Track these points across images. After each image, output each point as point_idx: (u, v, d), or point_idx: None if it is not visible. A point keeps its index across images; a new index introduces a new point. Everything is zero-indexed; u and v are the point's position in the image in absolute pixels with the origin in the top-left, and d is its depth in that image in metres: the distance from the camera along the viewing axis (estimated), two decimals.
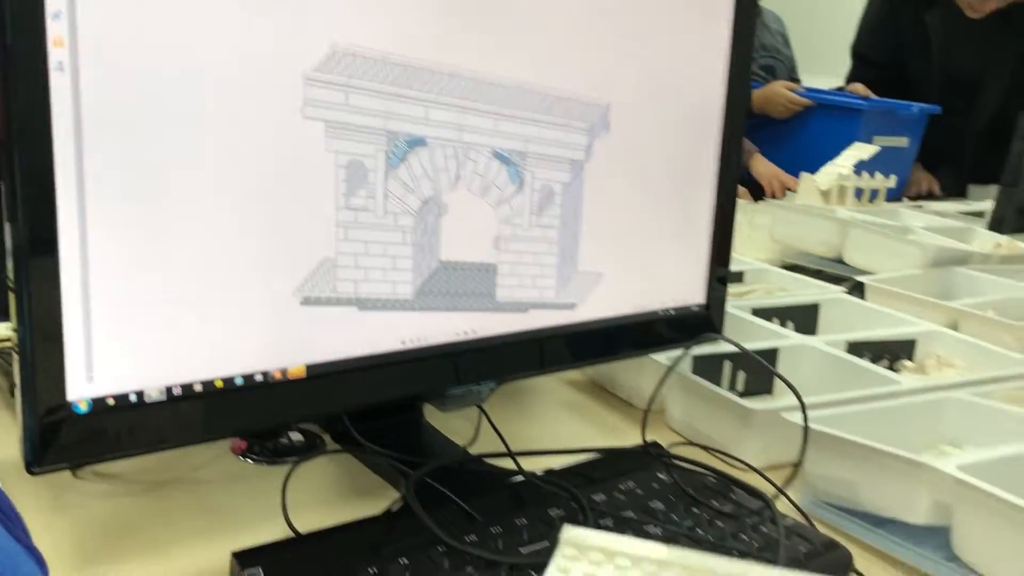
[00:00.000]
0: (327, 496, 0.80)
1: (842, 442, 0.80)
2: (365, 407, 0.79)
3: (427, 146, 0.70)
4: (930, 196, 2.70)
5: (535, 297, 0.81)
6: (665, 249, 0.91)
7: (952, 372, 1.12)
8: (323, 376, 0.70)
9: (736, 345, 0.94)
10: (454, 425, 0.91)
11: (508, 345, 0.81)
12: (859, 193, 2.10)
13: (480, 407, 0.93)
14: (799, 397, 0.83)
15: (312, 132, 0.64)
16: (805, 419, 0.82)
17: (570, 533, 0.36)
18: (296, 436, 0.91)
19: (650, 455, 0.86)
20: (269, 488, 0.81)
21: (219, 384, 0.65)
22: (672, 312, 0.93)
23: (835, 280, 1.47)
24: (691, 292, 0.95)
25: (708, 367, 1.03)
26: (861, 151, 2.16)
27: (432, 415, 0.93)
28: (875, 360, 1.11)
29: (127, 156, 0.57)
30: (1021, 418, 0.88)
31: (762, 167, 2.55)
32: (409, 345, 0.74)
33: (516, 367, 0.84)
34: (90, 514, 0.74)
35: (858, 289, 1.43)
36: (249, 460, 0.86)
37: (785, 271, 1.48)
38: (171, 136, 0.59)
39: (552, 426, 1.00)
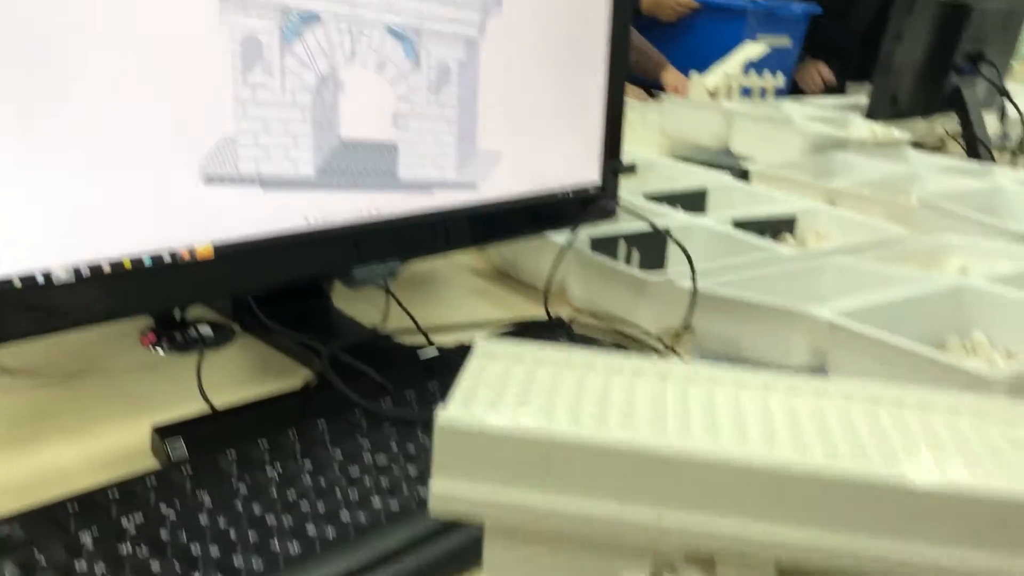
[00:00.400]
0: (241, 380, 0.82)
1: (727, 301, 0.86)
2: (273, 285, 0.81)
3: (321, 21, 0.71)
4: (828, 90, 2.80)
5: (436, 176, 0.84)
6: (560, 130, 0.94)
7: (829, 244, 1.19)
8: (231, 255, 0.71)
9: (634, 214, 0.99)
10: (363, 311, 0.93)
11: (412, 224, 0.83)
12: (747, 92, 2.17)
13: (387, 289, 0.96)
14: (690, 261, 0.88)
15: (206, 4, 0.64)
16: (694, 282, 0.87)
17: (483, 345, 0.40)
18: (205, 330, 0.92)
19: (555, 327, 0.90)
20: (182, 375, 0.82)
21: (127, 264, 0.65)
22: (570, 193, 0.97)
23: (723, 169, 1.54)
24: (587, 173, 0.99)
25: (604, 247, 1.07)
26: (750, 51, 2.22)
27: (340, 301, 0.95)
28: (759, 236, 1.17)
29: (15, 23, 0.57)
30: (889, 275, 0.96)
31: (672, 77, 2.60)
32: (313, 224, 0.76)
33: (420, 246, 0.87)
34: (3, 405, 0.74)
35: (744, 176, 1.49)
36: (159, 350, 0.87)
37: (676, 162, 1.53)
38: (61, 6, 0.58)
39: (459, 308, 1.03)
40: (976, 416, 0.37)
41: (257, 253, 0.73)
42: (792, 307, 0.81)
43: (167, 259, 0.67)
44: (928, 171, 1.54)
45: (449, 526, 0.58)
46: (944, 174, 1.53)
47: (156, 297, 0.69)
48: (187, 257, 0.69)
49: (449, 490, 0.34)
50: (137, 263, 0.66)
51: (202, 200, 0.68)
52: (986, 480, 0.31)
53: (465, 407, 0.35)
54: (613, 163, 1.02)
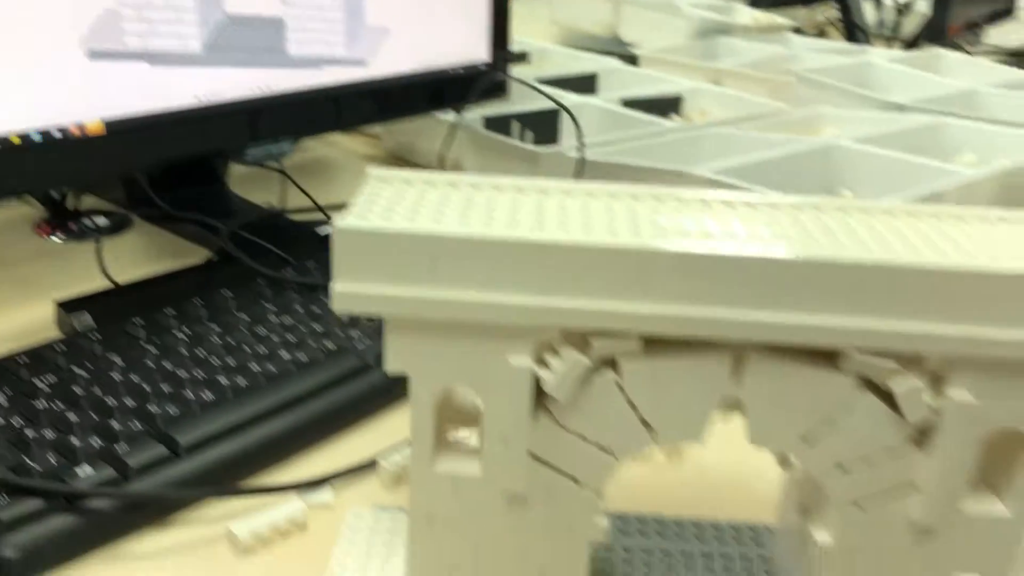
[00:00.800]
0: (141, 262, 0.83)
1: (614, 166, 0.90)
2: (166, 162, 0.81)
3: None
4: None
5: (326, 52, 0.84)
6: (448, 8, 0.95)
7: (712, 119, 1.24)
8: (121, 132, 0.71)
9: (528, 85, 1.01)
10: (259, 195, 0.94)
11: (303, 101, 0.84)
12: None
13: (282, 170, 0.97)
14: (579, 131, 0.91)
15: None
16: (582, 151, 0.91)
17: (375, 171, 0.42)
18: (100, 219, 0.92)
19: None
20: (82, 259, 0.82)
21: (15, 140, 0.65)
22: (460, 70, 0.99)
23: (612, 55, 1.56)
24: (476, 51, 1.00)
25: (497, 127, 1.10)
26: None
27: (236, 185, 0.96)
28: (647, 114, 1.21)
29: None
30: (765, 140, 1.01)
31: None
32: (204, 100, 0.76)
33: (312, 124, 0.88)
34: None
35: (632, 61, 1.53)
36: (56, 239, 0.86)
37: (566, 49, 1.55)
38: None
39: (354, 190, 1.04)
40: (815, 209, 0.41)
41: (148, 129, 0.73)
42: (672, 168, 0.85)
43: (56, 135, 0.67)
44: (807, 52, 1.60)
45: (354, 374, 0.62)
46: (821, 54, 1.59)
47: (49, 174, 0.69)
48: (77, 133, 0.68)
49: (349, 289, 0.37)
50: (26, 139, 0.66)
51: (89, 76, 0.68)
52: (795, 249, 0.36)
53: (360, 217, 0.38)
54: (503, 44, 1.04)
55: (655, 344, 0.38)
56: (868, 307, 0.36)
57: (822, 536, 0.41)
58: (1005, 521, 0.40)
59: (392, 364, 0.38)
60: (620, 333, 0.38)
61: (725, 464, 0.58)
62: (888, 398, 0.38)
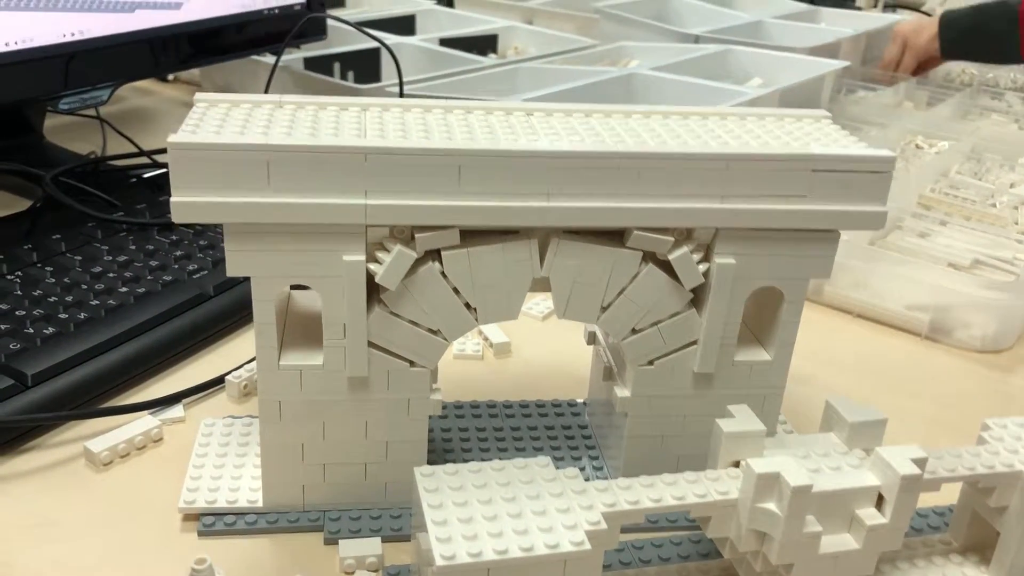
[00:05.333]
0: None
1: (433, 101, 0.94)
2: None
3: None
4: None
5: None
6: None
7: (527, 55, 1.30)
8: None
9: (348, 24, 1.03)
10: (78, 145, 0.93)
11: (118, 46, 0.84)
12: None
13: (100, 117, 0.96)
14: (399, 69, 0.95)
15: None
16: (401, 87, 0.95)
17: (203, 96, 0.45)
18: None
19: None
20: None
21: None
22: (276, 11, 1.00)
23: None
24: None
25: (318, 67, 1.12)
26: None
27: (53, 136, 0.94)
28: (465, 52, 1.26)
29: None
30: (573, 71, 1.08)
31: None
32: (16, 47, 0.75)
33: (128, 69, 0.87)
34: None
35: (449, 4, 1.56)
36: None
37: None
38: None
39: None
40: (603, 114, 0.48)
41: None
42: (488, 100, 0.91)
43: None
44: None
45: (194, 303, 0.64)
46: None
47: None
48: None
49: (188, 201, 0.40)
50: None
51: None
52: (585, 143, 0.42)
53: (192, 132, 0.41)
54: None
55: (472, 235, 0.44)
56: (645, 191, 0.43)
57: (622, 392, 0.49)
58: (768, 364, 0.48)
59: (233, 268, 0.42)
60: (440, 227, 0.43)
61: (545, 357, 0.65)
62: (668, 268, 0.45)
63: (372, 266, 0.43)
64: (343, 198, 0.41)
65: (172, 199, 0.40)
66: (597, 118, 0.47)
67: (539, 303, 0.72)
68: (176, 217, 0.40)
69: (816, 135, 0.47)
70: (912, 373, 0.67)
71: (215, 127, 0.42)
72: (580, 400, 0.59)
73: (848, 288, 0.74)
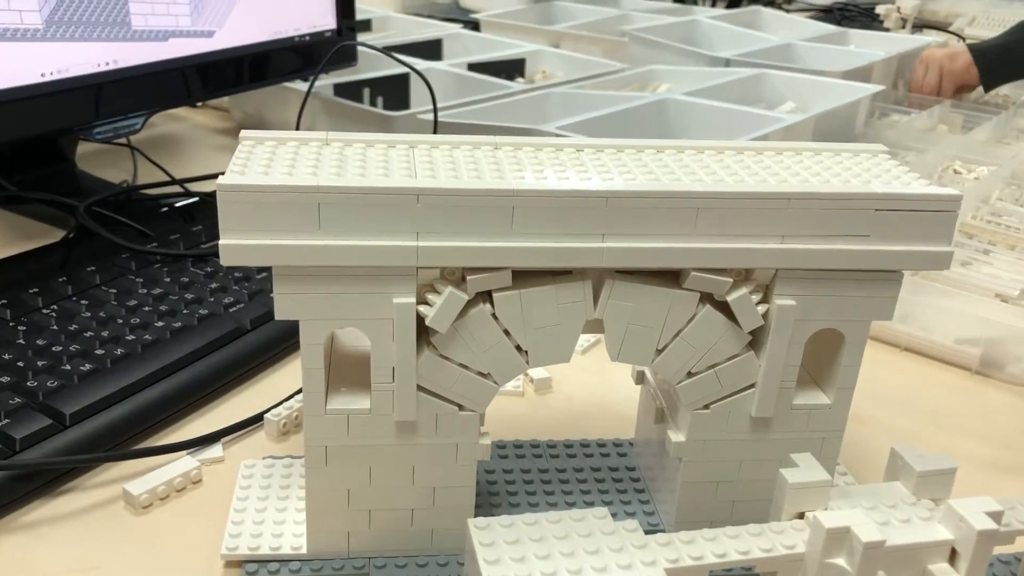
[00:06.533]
0: None
1: (468, 127, 0.93)
2: (14, 139, 0.79)
3: None
4: None
5: (171, 24, 0.84)
6: None
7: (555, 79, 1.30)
8: None
9: (377, 50, 1.03)
10: (110, 173, 0.93)
11: (150, 75, 0.83)
12: None
13: (131, 145, 0.96)
14: (432, 93, 0.94)
15: None
16: (435, 113, 0.94)
17: (247, 133, 0.44)
18: None
19: None
20: None
21: None
22: (307, 37, 1.00)
23: (454, 21, 1.60)
24: (322, 19, 1.01)
25: (348, 94, 1.11)
26: None
27: (85, 164, 0.94)
28: (493, 76, 1.25)
29: None
30: (605, 97, 1.07)
31: None
32: (50, 77, 0.75)
33: (162, 97, 0.87)
34: None
35: (475, 27, 1.56)
36: None
37: (408, 16, 1.57)
38: None
39: (208, 163, 1.04)
40: (655, 150, 0.46)
41: None
42: (521, 126, 0.90)
43: None
44: (637, 12, 1.68)
45: (231, 337, 0.63)
46: (651, 14, 1.67)
47: None
48: None
49: (236, 243, 0.39)
50: None
51: None
52: (638, 182, 0.41)
53: (240, 173, 0.40)
54: (349, 11, 1.05)
55: (524, 276, 0.42)
56: (703, 230, 0.42)
57: (677, 436, 0.47)
58: (827, 408, 0.47)
59: (281, 312, 0.41)
60: (492, 268, 0.41)
61: (587, 393, 0.64)
62: (726, 310, 0.44)
63: (423, 308, 0.42)
64: (394, 240, 0.40)
65: (221, 242, 0.39)
66: (649, 154, 0.46)
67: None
68: (225, 260, 0.39)
69: (876, 171, 0.45)
70: (965, 410, 0.65)
71: (262, 167, 0.41)
72: (626, 439, 0.57)
73: (895, 321, 0.72)
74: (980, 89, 1.42)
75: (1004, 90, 1.46)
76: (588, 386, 0.64)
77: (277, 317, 0.41)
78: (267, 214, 0.39)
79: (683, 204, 0.41)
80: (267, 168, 0.41)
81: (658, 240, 0.41)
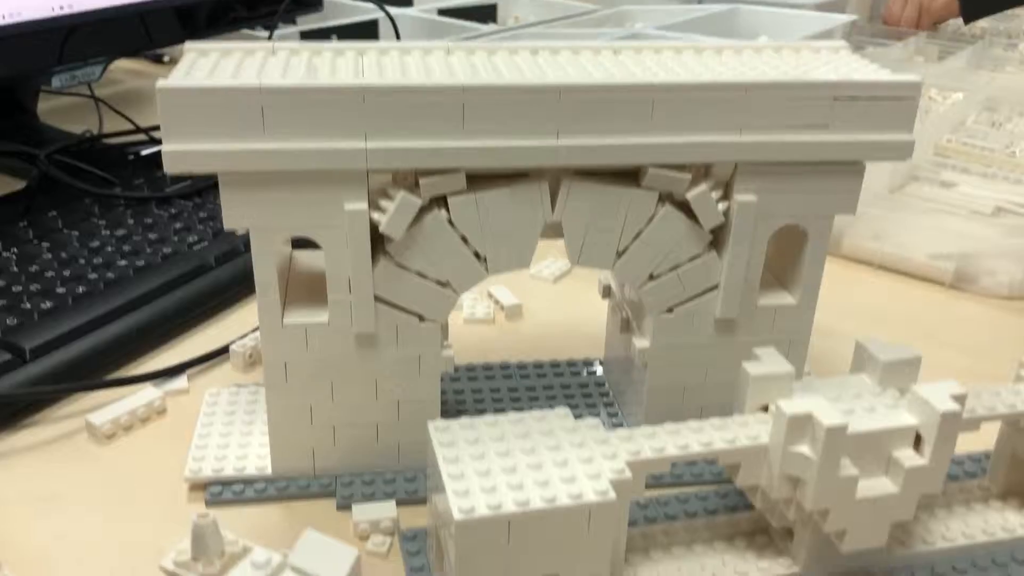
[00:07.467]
0: None
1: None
2: None
3: None
4: None
5: None
6: None
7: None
8: None
9: None
10: (73, 126, 0.91)
11: (107, 20, 0.81)
12: None
13: (96, 97, 0.94)
14: (397, 35, 0.92)
15: None
16: None
17: (193, 44, 0.43)
18: None
19: None
20: None
21: None
22: None
23: None
24: None
25: (315, 40, 1.09)
26: None
27: (48, 116, 0.92)
28: (464, 20, 1.23)
29: None
30: (577, 35, 1.06)
31: None
32: (4, 21, 0.73)
33: (120, 43, 0.85)
34: None
35: None
36: None
37: None
38: None
39: None
40: (612, 51, 0.45)
41: None
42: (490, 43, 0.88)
43: None
44: None
45: (195, 274, 0.62)
46: None
47: None
48: None
49: (180, 149, 0.38)
50: None
51: None
52: (593, 77, 0.40)
53: (184, 78, 0.39)
54: None
55: (479, 180, 0.42)
56: (659, 124, 0.41)
57: (641, 342, 0.46)
58: (792, 308, 0.46)
59: (230, 220, 0.40)
60: (445, 171, 0.41)
61: (557, 318, 0.63)
62: (687, 209, 0.43)
63: (375, 215, 0.41)
64: (342, 142, 0.39)
65: (163, 148, 0.38)
66: (606, 55, 0.45)
67: (550, 264, 0.69)
68: (168, 167, 0.38)
69: (836, 64, 0.44)
70: (939, 322, 0.65)
71: (208, 73, 0.39)
72: (597, 358, 0.57)
73: (868, 239, 0.72)
74: (956, 21, 1.41)
75: (982, 23, 1.44)
76: (559, 312, 0.64)
77: (226, 226, 0.40)
78: (210, 118, 0.38)
79: (638, 97, 0.40)
80: (211, 74, 0.39)
81: (614, 136, 0.41)
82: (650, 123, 0.41)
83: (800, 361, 0.48)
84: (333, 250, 0.41)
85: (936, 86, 1.06)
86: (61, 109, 0.98)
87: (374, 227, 0.41)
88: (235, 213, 0.40)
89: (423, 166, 0.40)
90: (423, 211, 0.41)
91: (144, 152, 0.85)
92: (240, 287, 0.64)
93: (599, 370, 0.56)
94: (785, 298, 0.47)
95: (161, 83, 0.38)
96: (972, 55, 1.22)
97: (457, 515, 0.33)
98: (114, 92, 1.09)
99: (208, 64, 0.41)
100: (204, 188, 0.75)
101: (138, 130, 0.87)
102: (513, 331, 0.62)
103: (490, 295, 0.65)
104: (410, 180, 0.41)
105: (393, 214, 0.40)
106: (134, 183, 0.76)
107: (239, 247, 0.65)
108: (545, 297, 0.66)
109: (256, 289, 0.42)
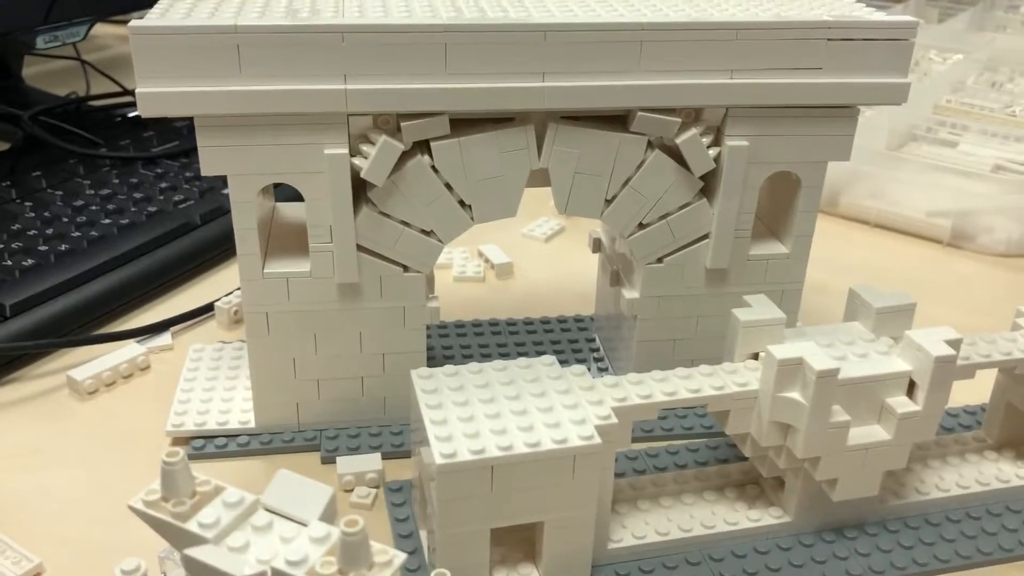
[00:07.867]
0: None
1: None
2: None
3: None
4: None
5: None
6: None
7: None
8: None
9: None
10: (62, 90, 0.90)
11: None
12: None
13: (83, 60, 0.93)
14: None
15: None
16: None
17: None
18: None
19: None
20: None
21: None
22: None
23: None
24: None
25: None
26: None
27: (34, 80, 0.91)
28: None
29: None
30: None
31: None
32: None
33: (105, 3, 0.84)
34: None
35: None
36: None
37: None
38: None
39: None
40: None
41: None
42: None
43: None
44: None
45: (180, 232, 0.61)
46: None
47: None
48: None
49: (154, 91, 0.37)
50: None
51: None
52: (578, 16, 0.39)
53: (159, 19, 0.38)
54: None
55: (463, 124, 0.41)
56: (648, 67, 0.40)
57: (631, 293, 0.46)
58: (785, 258, 0.45)
59: (208, 167, 0.39)
60: (428, 114, 0.39)
61: (549, 276, 0.62)
62: (677, 155, 0.42)
63: (357, 160, 0.40)
64: (320, 83, 0.38)
65: (137, 90, 0.37)
66: None
67: (542, 224, 0.68)
68: (143, 110, 0.37)
69: (830, 5, 0.43)
70: (937, 280, 0.64)
71: (183, 14, 0.38)
72: (587, 315, 0.56)
73: (865, 197, 0.71)
74: None
75: None
76: (550, 271, 0.63)
77: (204, 172, 0.39)
78: (184, 59, 0.37)
79: (625, 38, 0.39)
80: (189, 15, 0.38)
81: (601, 78, 0.40)
82: (638, 65, 0.40)
83: (793, 312, 0.47)
84: (314, 198, 0.40)
85: (936, 48, 1.05)
86: (47, 73, 0.96)
87: (356, 175, 0.40)
88: (212, 159, 0.39)
89: (405, 109, 0.39)
90: (406, 157, 0.40)
91: (131, 114, 0.83)
92: (226, 246, 0.63)
93: (590, 328, 0.55)
94: (777, 247, 0.46)
95: (134, 23, 0.36)
96: (972, 17, 1.20)
97: (439, 460, 0.33)
98: (102, 56, 1.08)
99: (186, 5, 0.40)
100: (191, 149, 0.74)
101: (125, 92, 0.86)
102: (503, 289, 0.61)
103: (480, 253, 0.64)
104: (392, 124, 0.40)
105: (374, 159, 0.39)
106: (120, 144, 0.75)
107: (225, 206, 0.64)
108: (536, 256, 0.65)
109: (235, 237, 0.41)
